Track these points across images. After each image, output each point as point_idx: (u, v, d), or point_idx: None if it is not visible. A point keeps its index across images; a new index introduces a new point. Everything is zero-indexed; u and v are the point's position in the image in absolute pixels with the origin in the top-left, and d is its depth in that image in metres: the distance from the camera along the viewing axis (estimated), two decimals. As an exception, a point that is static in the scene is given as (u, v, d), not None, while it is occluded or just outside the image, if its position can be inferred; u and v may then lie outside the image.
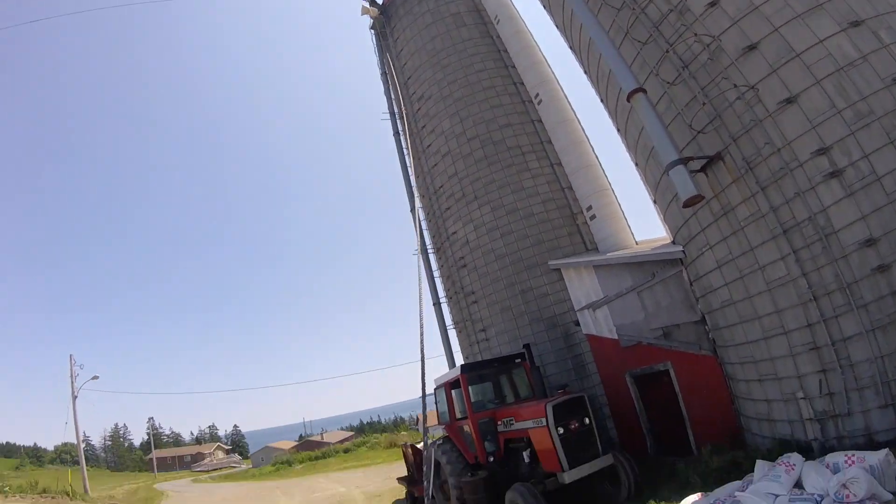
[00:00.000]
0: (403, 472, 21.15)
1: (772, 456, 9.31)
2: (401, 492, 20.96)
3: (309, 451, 67.21)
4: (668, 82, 11.35)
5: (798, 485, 7.91)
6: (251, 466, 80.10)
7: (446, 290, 22.09)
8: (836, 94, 8.73)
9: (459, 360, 21.41)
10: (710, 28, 10.34)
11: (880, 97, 8.40)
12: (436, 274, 22.56)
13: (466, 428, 15.02)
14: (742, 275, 10.78)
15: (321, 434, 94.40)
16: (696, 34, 10.44)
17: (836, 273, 8.64)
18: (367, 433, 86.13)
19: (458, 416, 15.80)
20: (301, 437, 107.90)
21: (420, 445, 19.91)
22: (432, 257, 22.84)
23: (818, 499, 7.23)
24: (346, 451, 57.53)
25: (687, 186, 10.16)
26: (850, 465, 7.32)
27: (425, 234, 22.78)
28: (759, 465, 8.94)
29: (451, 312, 22.01)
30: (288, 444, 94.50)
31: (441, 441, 16.36)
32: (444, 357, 21.53)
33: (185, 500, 42.11)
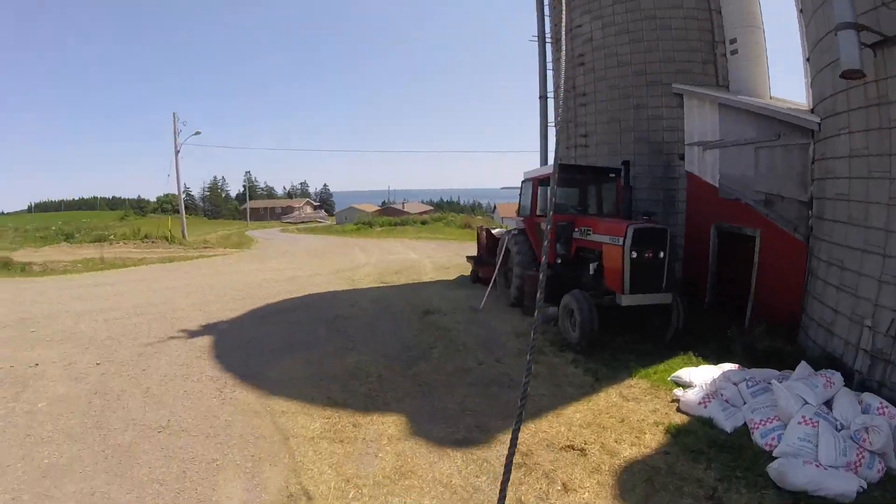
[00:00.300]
0: (473, 251, 22.69)
1: (816, 365, 9.53)
2: (467, 269, 22.74)
3: (389, 216, 71.41)
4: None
5: (828, 403, 8.13)
6: (335, 223, 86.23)
7: (556, 86, 21.12)
8: None
9: (553, 160, 21.32)
10: None
11: None
12: (548, 67, 21.39)
13: (543, 226, 15.52)
14: (870, 176, 9.76)
15: (402, 203, 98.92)
16: None
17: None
18: (445, 210, 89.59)
19: (539, 212, 16.28)
20: (384, 202, 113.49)
21: (495, 231, 21.06)
22: (548, 48, 21.41)
23: (840, 426, 7.39)
24: (424, 223, 60.84)
25: (852, 55, 8.84)
26: (880, 414, 7.45)
27: (546, 20, 21.05)
28: (803, 366, 9.16)
29: (555, 110, 21.34)
30: (371, 207, 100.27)
31: (516, 232, 17.20)
32: (539, 154, 21.53)
33: (272, 246, 46.60)
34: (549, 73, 21.33)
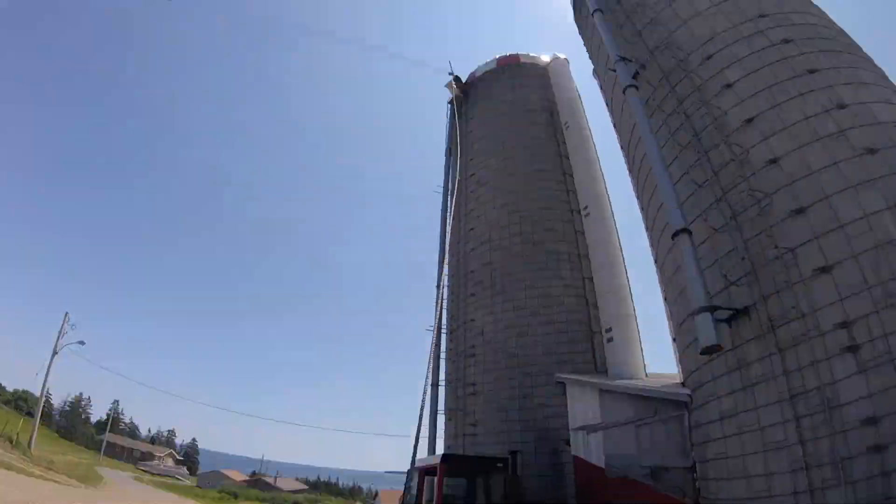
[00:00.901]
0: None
1: None
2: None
3: (258, 490, 64.86)
4: (714, 229, 11.76)
5: None
6: (195, 485, 77.30)
7: (447, 374, 22.00)
8: (871, 271, 8.98)
9: (440, 447, 21.00)
10: (766, 184, 10.85)
11: None
12: (443, 356, 22.55)
13: None
14: (741, 431, 10.68)
15: (275, 477, 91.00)
16: (751, 188, 10.93)
17: (832, 447, 8.54)
18: (322, 491, 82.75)
19: None
20: (254, 473, 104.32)
21: None
22: (443, 338, 22.90)
23: None
24: (297, 503, 55.39)
25: (709, 334, 10.39)
26: None
27: (444, 312, 22.96)
28: None
29: (446, 399, 21.80)
30: (239, 475, 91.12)
31: None
32: (427, 440, 21.15)
33: (121, 493, 40.70)
34: (443, 363, 22.22)
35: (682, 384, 13.64)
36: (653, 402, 14.32)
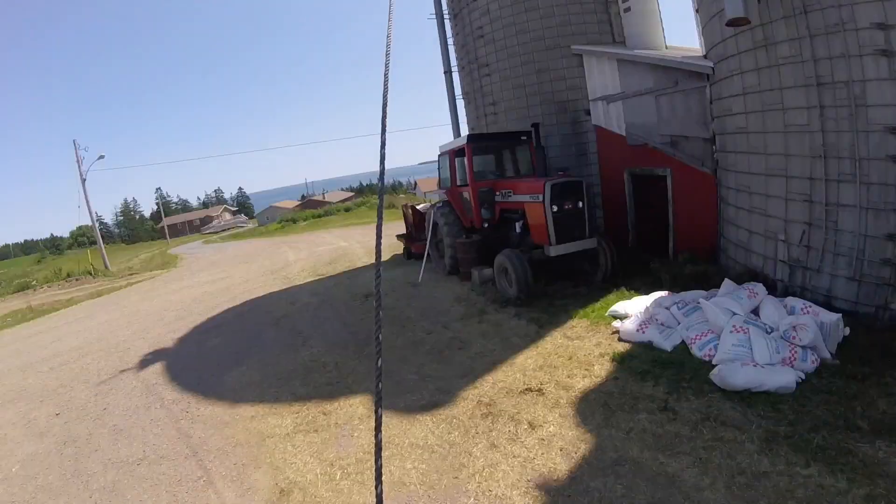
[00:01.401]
0: (402, 230, 22.80)
1: (739, 280, 10.48)
2: (399, 248, 22.85)
3: (312, 209, 69.85)
4: None
5: (755, 311, 9.04)
6: (258, 225, 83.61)
7: (459, 59, 21.37)
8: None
9: (465, 130, 21.72)
10: None
11: None
12: (450, 42, 21.59)
13: (466, 194, 16.08)
14: (764, 109, 10.71)
15: (323, 194, 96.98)
16: None
17: (853, 143, 8.77)
18: (367, 194, 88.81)
19: (459, 182, 16.71)
20: (303, 196, 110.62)
21: (420, 207, 21.26)
22: (447, 24, 21.60)
23: (769, 329, 8.18)
24: (347, 210, 59.95)
25: (736, 5, 9.71)
26: (804, 313, 8.32)
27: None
28: (727, 282, 10.14)
29: (461, 83, 21.61)
30: (291, 203, 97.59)
31: (441, 204, 17.57)
32: (451, 126, 21.79)
33: (198, 259, 44.70)
34: (451, 48, 21.49)
35: (705, 56, 13.27)
36: (673, 73, 14.10)
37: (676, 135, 14.21)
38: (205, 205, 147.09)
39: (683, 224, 14.39)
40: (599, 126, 17.18)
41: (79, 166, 45.42)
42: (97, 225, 54.84)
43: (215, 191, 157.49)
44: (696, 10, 13.27)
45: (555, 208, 13.00)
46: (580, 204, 13.31)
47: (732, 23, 10.10)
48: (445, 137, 21.92)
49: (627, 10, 16.82)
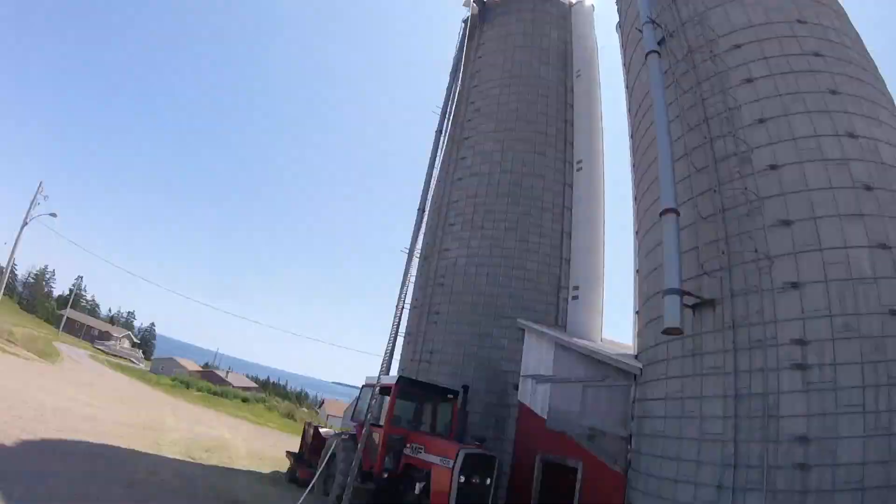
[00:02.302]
0: (295, 446, 21.05)
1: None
2: (284, 464, 20.80)
3: (210, 382, 66.58)
4: (702, 216, 11.65)
5: None
6: (149, 370, 79.27)
7: (414, 299, 22.19)
8: (836, 300, 9.13)
9: (395, 370, 21.50)
10: (761, 188, 10.72)
11: (871, 320, 8.88)
12: (411, 280, 22.68)
13: (376, 436, 15.06)
14: (682, 415, 11.01)
15: (227, 371, 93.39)
16: (746, 187, 10.80)
17: (763, 453, 8.91)
18: (270, 391, 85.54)
19: (374, 421, 15.82)
20: (207, 364, 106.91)
21: (323, 431, 19.92)
22: (415, 263, 22.95)
23: None
24: (245, 400, 56.94)
25: (674, 316, 10.40)
26: None
27: (420, 238, 22.91)
28: None
29: (409, 321, 22.09)
30: (192, 364, 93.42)
31: (346, 437, 16.43)
32: (382, 359, 21.59)
33: (78, 370, 41.63)
34: (411, 287, 22.37)
35: (636, 356, 13.96)
36: (604, 367, 14.63)
37: (595, 428, 14.21)
38: (112, 320, 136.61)
39: (586, 521, 13.52)
40: (524, 403, 17.15)
41: (29, 208, 43.16)
42: (9, 272, 50.09)
43: (128, 312, 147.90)
44: (636, 312, 14.35)
45: (462, 479, 12.13)
46: (488, 481, 12.58)
47: (668, 331, 10.82)
48: (370, 367, 21.52)
49: (575, 297, 18.15)
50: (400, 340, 21.48)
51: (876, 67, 12.90)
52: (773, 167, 10.78)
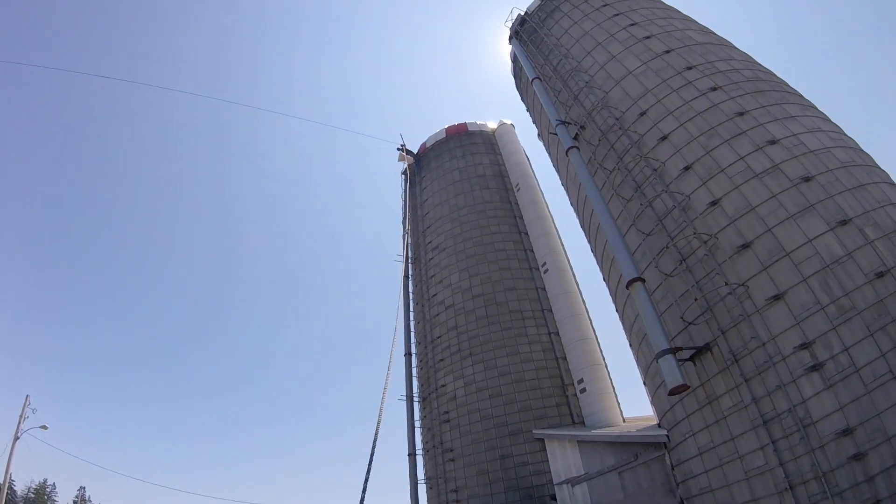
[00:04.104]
0: None
1: None
2: None
3: None
4: (666, 274, 12.44)
5: None
6: None
7: (424, 442, 21.77)
8: (821, 291, 9.76)
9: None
10: (710, 225, 11.67)
11: (863, 291, 9.46)
12: (417, 424, 22.40)
13: None
14: (722, 463, 11.07)
15: None
16: (695, 231, 11.72)
17: (813, 463, 8.98)
18: None
19: None
20: None
21: None
22: (416, 406, 22.81)
23: None
24: None
25: (674, 375, 10.79)
26: None
27: (414, 380, 22.96)
28: None
29: (424, 466, 21.49)
30: None
31: None
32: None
33: None
34: (418, 431, 22.02)
35: (658, 425, 14.00)
36: (632, 447, 14.62)
37: (644, 509, 13.78)
38: None
39: None
40: (566, 511, 16.53)
41: (19, 423, 39.62)
42: (6, 489, 44.76)
43: None
44: (644, 383, 14.56)
45: None
46: None
47: (674, 391, 11.17)
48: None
49: (583, 390, 18.31)
50: (422, 488, 20.83)
51: (771, 72, 14.49)
52: (713, 203, 11.84)
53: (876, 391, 8.60)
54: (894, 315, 9.08)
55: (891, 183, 11.59)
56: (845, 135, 12.71)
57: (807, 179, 11.09)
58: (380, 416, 18.36)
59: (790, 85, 14.29)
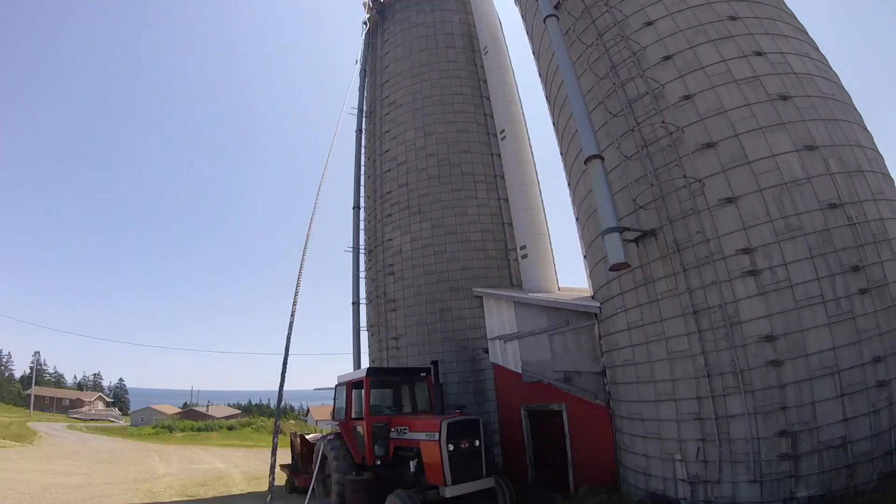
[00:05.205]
0: (287, 459, 21.10)
1: (642, 504, 10.43)
2: (281, 478, 20.86)
3: (192, 420, 65.06)
4: (626, 156, 12.50)
5: None
6: (129, 424, 76.62)
7: (368, 293, 22.50)
8: (774, 205, 10.17)
9: (366, 363, 21.83)
10: (678, 118, 11.62)
11: (812, 217, 9.97)
12: (362, 275, 22.97)
13: (360, 429, 15.42)
14: (647, 341, 11.93)
15: (207, 406, 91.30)
16: (664, 121, 11.66)
17: (733, 358, 9.91)
18: (255, 414, 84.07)
19: (354, 416, 16.14)
20: (186, 404, 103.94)
21: (309, 437, 20.06)
22: (362, 259, 23.23)
23: None
24: (231, 428, 56.10)
25: (617, 253, 11.20)
26: None
27: (361, 233, 23.19)
28: None
29: (367, 315, 22.40)
30: (171, 409, 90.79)
31: (332, 437, 16.67)
32: (352, 357, 21.90)
33: (58, 444, 39.78)
34: (362, 282, 22.68)
35: (593, 297, 14.85)
36: (564, 314, 15.53)
37: (570, 370, 15.08)
38: (80, 386, 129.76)
39: (582, 457, 14.48)
40: (497, 364, 17.92)
41: None
42: None
43: (94, 374, 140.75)
44: (584, 257, 15.22)
45: (451, 447, 12.66)
46: (477, 443, 13.13)
47: (615, 268, 11.62)
48: (345, 367, 21.74)
49: (525, 256, 19.04)
50: (364, 335, 21.82)
51: None
52: (686, 97, 11.71)
53: (804, 310, 9.32)
54: (836, 247, 9.65)
55: (863, 126, 11.61)
56: (830, 68, 12.46)
57: (784, 98, 10.95)
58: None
59: (786, 5, 13.70)
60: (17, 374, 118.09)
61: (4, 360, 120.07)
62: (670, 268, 11.34)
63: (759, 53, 11.65)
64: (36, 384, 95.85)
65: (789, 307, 9.55)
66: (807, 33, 13.09)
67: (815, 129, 10.77)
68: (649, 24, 12.86)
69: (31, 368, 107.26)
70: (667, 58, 12.28)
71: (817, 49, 12.80)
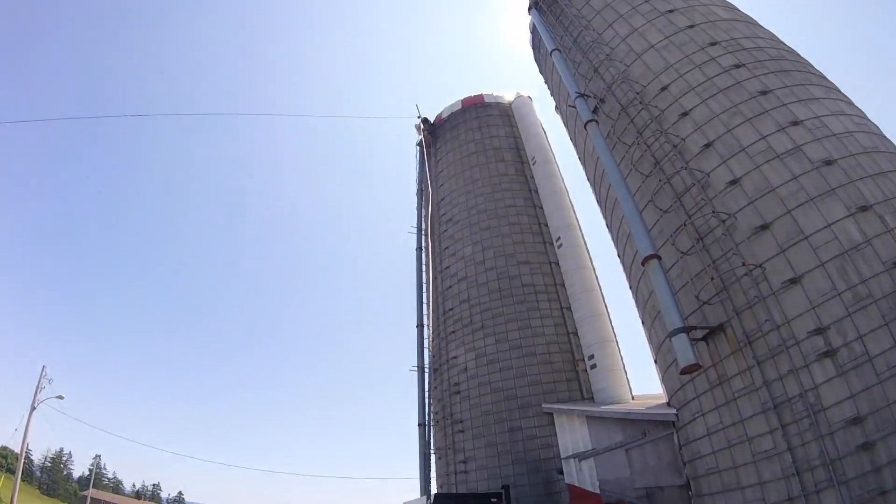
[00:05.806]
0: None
1: None
2: None
3: None
4: (683, 252, 12.27)
5: None
6: None
7: (434, 413, 22.06)
8: (839, 277, 9.58)
9: (434, 488, 20.96)
10: (728, 205, 11.47)
11: (880, 280, 9.28)
12: (426, 395, 22.68)
13: None
14: (730, 444, 11.04)
15: None
16: (714, 210, 11.52)
17: (822, 450, 8.94)
18: None
19: None
20: None
21: None
22: (426, 377, 23.05)
23: None
24: None
25: (687, 354, 10.73)
26: None
27: (425, 352, 23.16)
28: None
29: (434, 437, 21.80)
30: None
31: None
32: (419, 480, 21.10)
33: None
34: (427, 402, 22.29)
35: (668, 404, 13.98)
36: (641, 425, 14.65)
37: (651, 486, 14.02)
38: (138, 494, 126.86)
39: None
40: (573, 484, 16.74)
41: (35, 393, 41.44)
42: (23, 458, 47.68)
43: (154, 485, 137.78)
44: (655, 361, 14.52)
45: None
46: None
47: (686, 370, 11.14)
48: (411, 492, 20.94)
49: (593, 366, 18.31)
50: (432, 458, 21.17)
51: (796, 52, 14.11)
52: (732, 182, 11.63)
53: (888, 381, 8.48)
54: (912, 304, 8.92)
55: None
56: (869, 120, 12.33)
57: (828, 163, 10.80)
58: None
59: (814, 66, 13.86)
60: (76, 475, 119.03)
61: (65, 458, 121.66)
62: (744, 362, 10.72)
63: (795, 123, 11.64)
64: (94, 486, 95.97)
65: (872, 382, 8.66)
66: (838, 90, 13.02)
67: (865, 187, 10.38)
68: (685, 114, 13.12)
69: (90, 470, 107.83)
70: (707, 145, 12.37)
71: (851, 103, 12.64)
